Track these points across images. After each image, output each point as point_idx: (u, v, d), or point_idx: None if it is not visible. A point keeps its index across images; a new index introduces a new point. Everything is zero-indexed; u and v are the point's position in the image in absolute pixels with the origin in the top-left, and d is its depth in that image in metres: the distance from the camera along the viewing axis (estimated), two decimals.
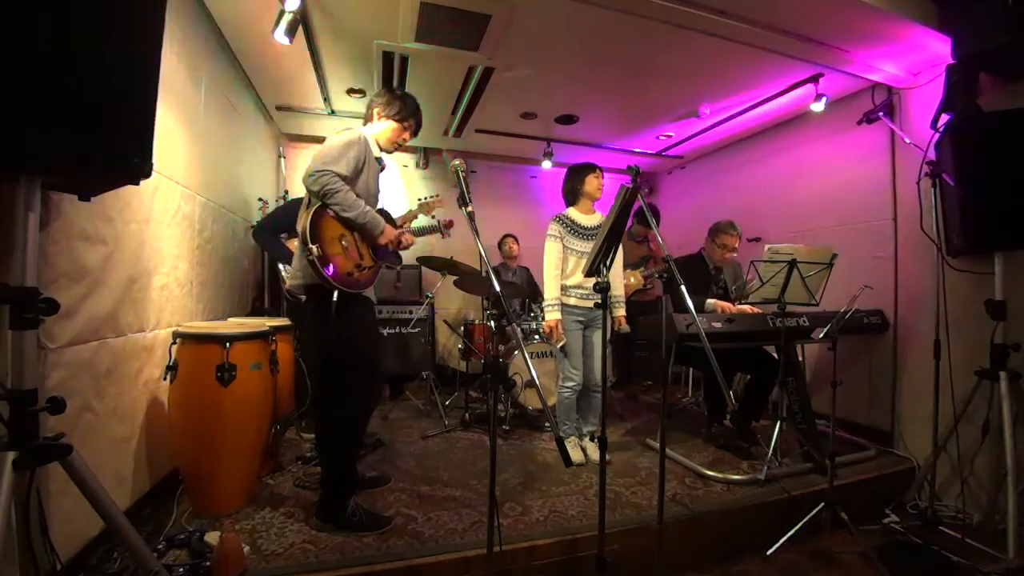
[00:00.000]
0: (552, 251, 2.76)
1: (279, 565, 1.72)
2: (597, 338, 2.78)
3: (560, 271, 2.76)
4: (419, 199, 2.50)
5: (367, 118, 2.19)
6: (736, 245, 3.11)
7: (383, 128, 2.15)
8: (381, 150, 2.17)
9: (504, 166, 5.39)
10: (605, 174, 2.93)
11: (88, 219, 1.64)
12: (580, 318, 2.77)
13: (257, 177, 3.92)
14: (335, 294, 1.91)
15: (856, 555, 2.18)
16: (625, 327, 2.84)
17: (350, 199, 1.92)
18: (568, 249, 2.77)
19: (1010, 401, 2.19)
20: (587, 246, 2.77)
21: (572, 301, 2.76)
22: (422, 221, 2.49)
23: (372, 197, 2.10)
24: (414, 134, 2.26)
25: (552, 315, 2.72)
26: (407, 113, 2.16)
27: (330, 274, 1.87)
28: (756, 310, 2.86)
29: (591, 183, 2.81)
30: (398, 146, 2.23)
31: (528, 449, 3.04)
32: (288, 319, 3.01)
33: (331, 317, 1.90)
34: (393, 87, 2.19)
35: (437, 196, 2.55)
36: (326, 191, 1.87)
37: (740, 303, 2.95)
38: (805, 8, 2.40)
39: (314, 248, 1.84)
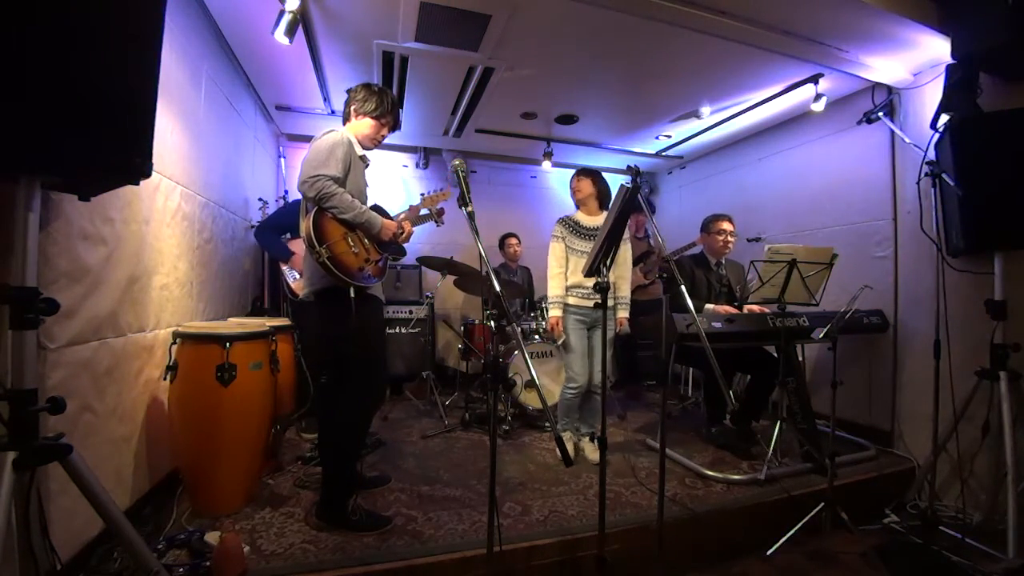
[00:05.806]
0: (554, 251, 2.85)
1: (279, 565, 1.72)
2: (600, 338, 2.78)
3: (564, 269, 2.81)
4: (422, 193, 2.48)
5: (345, 116, 2.18)
6: (731, 228, 3.11)
7: (360, 125, 2.14)
8: (363, 147, 2.16)
9: (504, 166, 5.39)
10: (605, 174, 2.96)
11: (88, 219, 1.64)
12: (582, 317, 2.79)
13: (257, 177, 3.92)
14: (351, 291, 1.91)
15: (856, 555, 2.17)
16: (626, 328, 2.84)
17: (346, 201, 1.93)
18: (571, 249, 2.83)
19: (1010, 401, 2.19)
20: (589, 246, 2.78)
21: (571, 300, 2.79)
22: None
23: (362, 194, 2.10)
24: (392, 130, 2.24)
25: (553, 312, 2.79)
26: (384, 109, 2.14)
27: (343, 272, 1.88)
28: (763, 309, 2.84)
29: (574, 188, 2.95)
30: (377, 143, 2.22)
31: (528, 449, 3.04)
32: (288, 319, 3.01)
33: (350, 314, 1.91)
34: (370, 83, 2.17)
35: (441, 190, 2.52)
36: (322, 195, 1.88)
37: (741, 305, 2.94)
38: (805, 8, 2.40)
39: (323, 250, 1.85)
